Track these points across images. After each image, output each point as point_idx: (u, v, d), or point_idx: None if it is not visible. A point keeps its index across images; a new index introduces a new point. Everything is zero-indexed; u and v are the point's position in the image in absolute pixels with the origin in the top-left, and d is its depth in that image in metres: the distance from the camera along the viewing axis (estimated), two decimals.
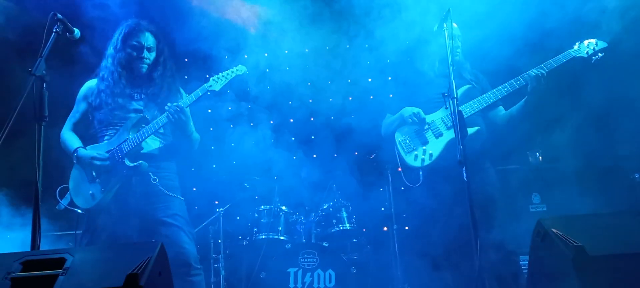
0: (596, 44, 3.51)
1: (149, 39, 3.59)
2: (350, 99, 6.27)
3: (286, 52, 6.14)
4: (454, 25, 3.65)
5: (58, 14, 2.98)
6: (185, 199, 3.67)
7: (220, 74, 3.51)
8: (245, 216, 5.37)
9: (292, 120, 6.63)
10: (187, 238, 3.43)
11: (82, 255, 2.16)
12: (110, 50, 3.62)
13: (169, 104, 3.38)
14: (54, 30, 2.95)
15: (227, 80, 3.50)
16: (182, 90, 3.74)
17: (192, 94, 3.46)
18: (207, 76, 3.55)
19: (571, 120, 5.09)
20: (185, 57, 5.83)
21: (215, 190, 5.47)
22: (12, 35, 4.96)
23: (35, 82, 2.74)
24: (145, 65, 3.57)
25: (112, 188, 3.37)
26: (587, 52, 3.50)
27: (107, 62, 3.60)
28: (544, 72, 3.44)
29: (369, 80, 6.18)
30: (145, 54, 3.56)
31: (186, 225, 3.48)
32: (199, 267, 3.45)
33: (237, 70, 3.55)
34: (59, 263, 2.12)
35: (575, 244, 2.04)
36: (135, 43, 3.55)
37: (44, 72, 2.78)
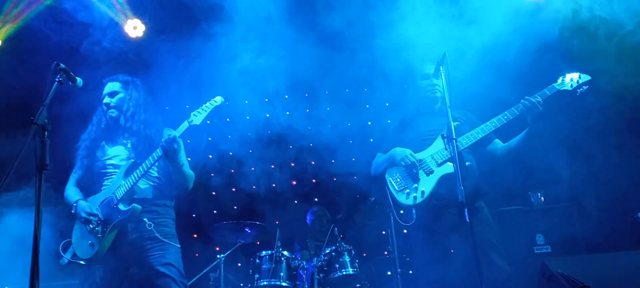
0: (580, 77, 3.51)
1: (112, 86, 3.72)
2: (351, 142, 6.31)
3: (286, 96, 6.22)
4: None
5: (61, 64, 3.02)
6: (185, 246, 3.64)
7: (200, 108, 3.58)
8: (247, 262, 5.31)
9: (293, 164, 6.67)
10: None
11: None
12: (98, 110, 3.80)
13: (164, 137, 3.42)
14: (56, 79, 2.99)
15: (207, 113, 3.56)
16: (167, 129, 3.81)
17: (178, 129, 3.51)
18: (188, 106, 3.61)
19: (573, 159, 5.11)
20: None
21: (215, 235, 5.42)
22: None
23: (37, 130, 2.75)
24: (114, 110, 3.66)
25: (109, 236, 3.36)
26: (571, 85, 3.51)
27: (93, 121, 3.78)
28: (540, 100, 3.45)
29: (369, 123, 6.24)
30: (107, 99, 3.67)
31: (179, 276, 3.44)
32: None
33: (214, 102, 3.62)
34: None
35: (581, 285, 2.01)
36: (103, 95, 3.71)
37: (46, 120, 2.79)
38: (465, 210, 2.91)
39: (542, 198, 4.89)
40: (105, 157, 3.62)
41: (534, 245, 4.59)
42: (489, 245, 3.47)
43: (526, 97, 3.48)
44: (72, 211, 3.54)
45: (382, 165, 3.81)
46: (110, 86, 3.74)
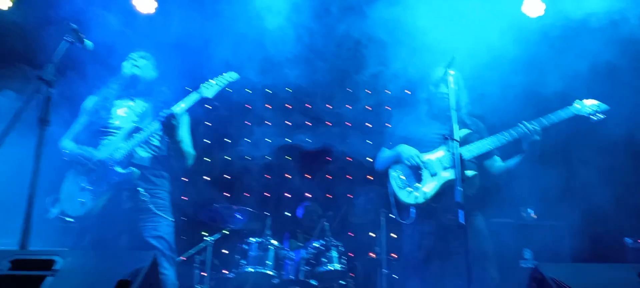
0: (598, 106, 3.50)
1: (142, 53, 3.74)
2: (348, 140, 6.32)
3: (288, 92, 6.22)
4: (452, 72, 3.67)
5: (72, 24, 3.02)
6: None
7: (211, 80, 3.51)
8: (234, 248, 5.30)
9: (290, 158, 6.67)
10: (166, 264, 3.38)
11: (73, 258, 2.11)
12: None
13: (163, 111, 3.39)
14: (65, 38, 2.99)
15: (220, 88, 3.50)
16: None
17: (184, 100, 3.45)
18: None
19: (566, 179, 5.15)
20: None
21: (205, 218, 5.40)
22: None
23: (43, 85, 2.74)
24: (137, 69, 3.66)
25: (102, 196, 3.33)
26: (588, 112, 3.52)
27: (108, 81, 3.75)
28: (538, 128, 3.42)
29: (369, 125, 6.26)
30: (134, 55, 3.68)
31: (169, 249, 3.42)
32: None
33: (229, 76, 3.55)
34: (48, 264, 2.06)
35: None
36: (128, 57, 3.72)
37: (52, 77, 2.78)
38: (460, 211, 2.94)
39: (533, 214, 4.93)
40: (110, 117, 3.58)
41: (520, 258, 4.63)
42: (482, 255, 3.48)
43: (523, 122, 3.46)
44: (65, 158, 3.47)
45: (387, 161, 3.79)
46: (140, 52, 3.75)
